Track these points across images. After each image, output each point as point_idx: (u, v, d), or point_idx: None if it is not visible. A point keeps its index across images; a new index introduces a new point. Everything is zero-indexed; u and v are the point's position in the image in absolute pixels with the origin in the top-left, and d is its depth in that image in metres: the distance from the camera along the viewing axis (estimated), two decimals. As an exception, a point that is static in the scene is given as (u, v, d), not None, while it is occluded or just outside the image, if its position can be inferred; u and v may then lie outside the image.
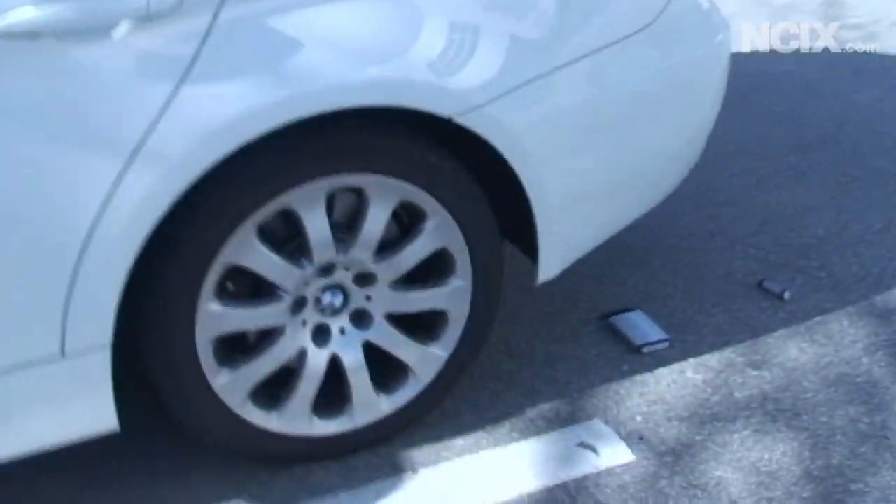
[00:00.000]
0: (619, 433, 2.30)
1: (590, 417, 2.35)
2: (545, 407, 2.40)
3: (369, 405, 2.19)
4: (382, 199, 2.00)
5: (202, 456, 2.19)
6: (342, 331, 2.14)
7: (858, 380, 2.45)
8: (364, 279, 2.09)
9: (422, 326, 2.20)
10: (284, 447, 2.15)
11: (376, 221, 2.02)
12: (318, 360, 2.10)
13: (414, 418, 2.27)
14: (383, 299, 2.12)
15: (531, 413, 2.37)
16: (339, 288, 2.10)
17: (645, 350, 2.56)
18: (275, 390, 2.10)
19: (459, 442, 2.28)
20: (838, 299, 2.80)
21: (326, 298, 2.09)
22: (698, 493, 2.13)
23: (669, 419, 2.33)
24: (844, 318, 2.72)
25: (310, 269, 2.01)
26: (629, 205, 2.45)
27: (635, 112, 2.27)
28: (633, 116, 2.27)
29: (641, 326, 2.62)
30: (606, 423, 2.33)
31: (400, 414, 2.24)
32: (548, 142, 2.08)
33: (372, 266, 2.06)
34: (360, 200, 2.00)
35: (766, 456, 2.23)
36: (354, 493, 2.14)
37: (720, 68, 2.51)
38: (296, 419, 2.13)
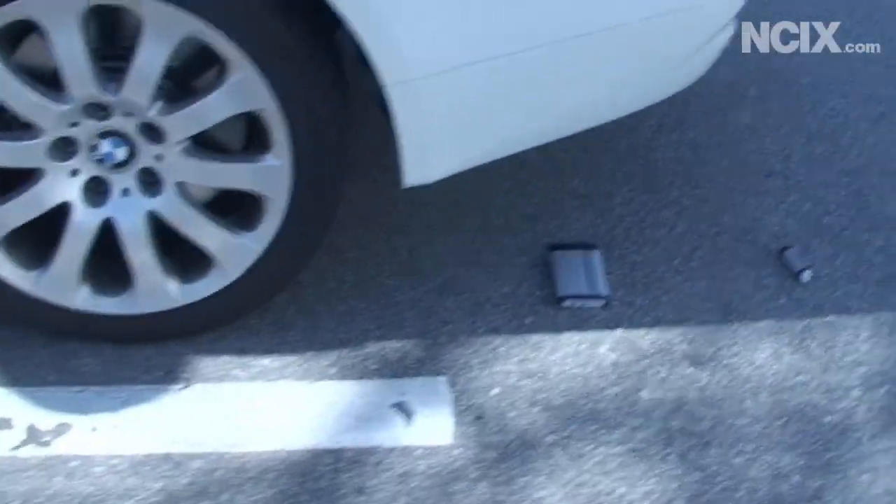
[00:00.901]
0: (457, 403, 1.79)
1: (437, 373, 1.79)
2: (392, 346, 1.90)
3: (156, 289, 1.81)
4: (160, 29, 1.55)
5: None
6: (125, 191, 1.74)
7: (826, 420, 1.73)
8: (154, 133, 1.67)
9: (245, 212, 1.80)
10: (45, 316, 1.83)
11: (151, 56, 1.58)
12: (87, 218, 1.73)
13: (219, 320, 1.90)
14: (175, 163, 1.70)
15: (370, 349, 1.90)
16: (122, 138, 1.68)
17: (566, 304, 1.94)
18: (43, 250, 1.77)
19: (263, 362, 1.86)
20: (873, 300, 2.04)
21: (105, 147, 1.69)
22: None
23: (533, 403, 1.76)
24: (864, 327, 1.97)
25: (67, 105, 1.61)
26: (546, 114, 1.83)
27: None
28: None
29: (583, 272, 2.01)
30: (452, 385, 1.79)
31: (197, 309, 1.84)
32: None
33: (155, 116, 1.64)
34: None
35: (620, 490, 1.65)
36: (104, 390, 1.79)
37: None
38: (58, 286, 1.79)
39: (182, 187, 1.73)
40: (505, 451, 1.69)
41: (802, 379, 1.83)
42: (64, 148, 1.68)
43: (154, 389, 1.79)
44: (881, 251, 2.13)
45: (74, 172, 1.71)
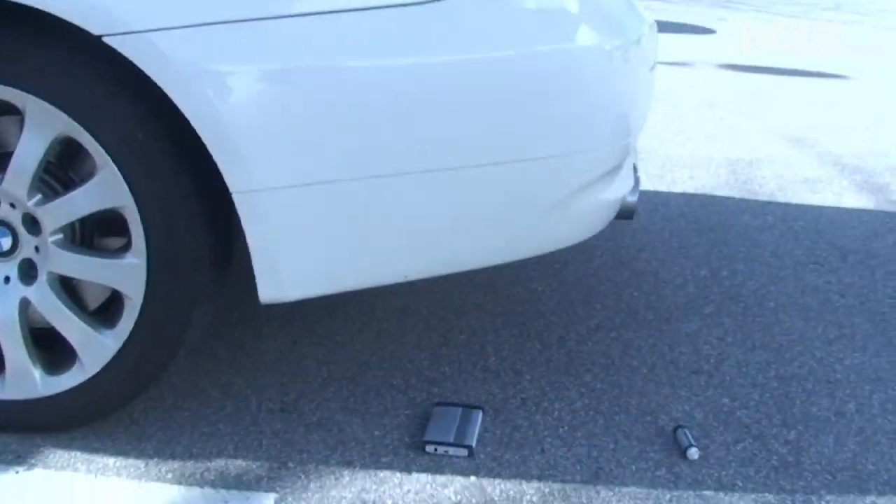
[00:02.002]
0: None
1: (270, 490, 1.78)
2: (237, 463, 1.90)
3: (22, 379, 1.89)
4: (39, 125, 1.73)
5: None
6: (6, 279, 1.87)
7: None
8: (34, 225, 1.82)
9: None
10: None
11: (30, 149, 1.75)
12: (5, 310, 1.85)
13: (76, 417, 1.93)
14: (47, 253, 1.82)
15: (215, 463, 1.90)
16: (8, 227, 1.84)
17: (429, 449, 1.91)
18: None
19: (107, 460, 1.89)
20: (763, 483, 1.92)
21: None
22: None
23: None
24: None
25: None
26: (418, 244, 1.84)
27: (394, 104, 1.70)
28: (391, 111, 1.71)
29: (456, 425, 1.97)
30: (279, 501, 1.73)
31: (58, 403, 1.91)
32: (255, 113, 1.65)
33: (32, 207, 1.78)
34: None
35: None
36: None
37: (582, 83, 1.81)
38: None
39: (53, 279, 1.84)
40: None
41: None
42: None
43: (-4, 470, 1.80)
44: (789, 444, 2.00)
45: None
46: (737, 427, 2.04)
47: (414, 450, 1.93)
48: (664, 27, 8.29)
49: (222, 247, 1.84)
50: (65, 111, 1.70)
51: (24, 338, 1.86)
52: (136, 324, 1.82)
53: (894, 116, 5.12)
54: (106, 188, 1.75)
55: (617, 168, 1.94)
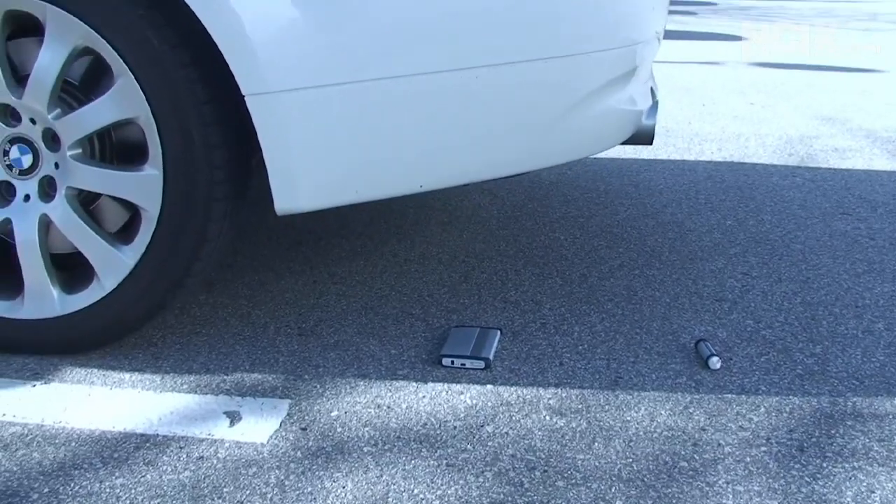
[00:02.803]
0: (288, 417, 1.75)
1: (283, 397, 1.78)
2: (252, 376, 1.90)
3: (40, 298, 1.90)
4: (58, 35, 1.75)
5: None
6: (27, 197, 1.89)
7: (680, 465, 1.59)
8: (55, 141, 1.84)
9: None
10: None
11: (50, 59, 1.76)
12: (25, 228, 1.88)
13: (97, 336, 1.94)
14: (66, 168, 1.84)
15: (229, 375, 1.90)
16: (29, 145, 1.86)
17: (445, 362, 1.89)
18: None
19: (123, 375, 1.90)
20: (787, 387, 1.87)
21: (14, 153, 1.87)
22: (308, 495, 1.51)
23: (366, 424, 1.71)
24: (765, 405, 1.80)
25: None
26: (426, 156, 1.83)
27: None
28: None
29: (474, 341, 1.97)
30: (294, 406, 1.77)
31: (75, 321, 1.92)
32: (267, 11, 1.65)
33: (51, 120, 1.80)
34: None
35: (416, 490, 1.54)
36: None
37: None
38: None
39: (72, 195, 1.86)
40: (315, 452, 1.61)
41: (669, 434, 1.66)
42: None
43: (16, 382, 1.85)
44: (815, 356, 1.96)
45: None
46: (761, 343, 2.00)
47: (431, 364, 1.91)
48: (694, 36, 8.27)
49: (239, 159, 1.83)
50: (82, 19, 1.72)
51: (44, 256, 1.87)
52: (153, 236, 1.83)
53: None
54: (123, 98, 1.77)
55: (630, 74, 1.92)
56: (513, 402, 1.75)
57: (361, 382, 1.83)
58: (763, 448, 1.60)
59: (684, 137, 4.01)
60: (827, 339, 2.01)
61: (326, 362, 1.92)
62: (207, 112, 1.75)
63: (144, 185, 1.80)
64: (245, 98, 1.66)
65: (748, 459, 1.57)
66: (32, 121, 1.82)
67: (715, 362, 1.88)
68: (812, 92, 5.29)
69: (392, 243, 2.60)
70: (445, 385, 1.82)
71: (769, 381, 1.84)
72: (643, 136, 2.10)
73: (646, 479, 1.51)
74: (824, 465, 1.56)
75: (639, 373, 1.87)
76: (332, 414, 1.72)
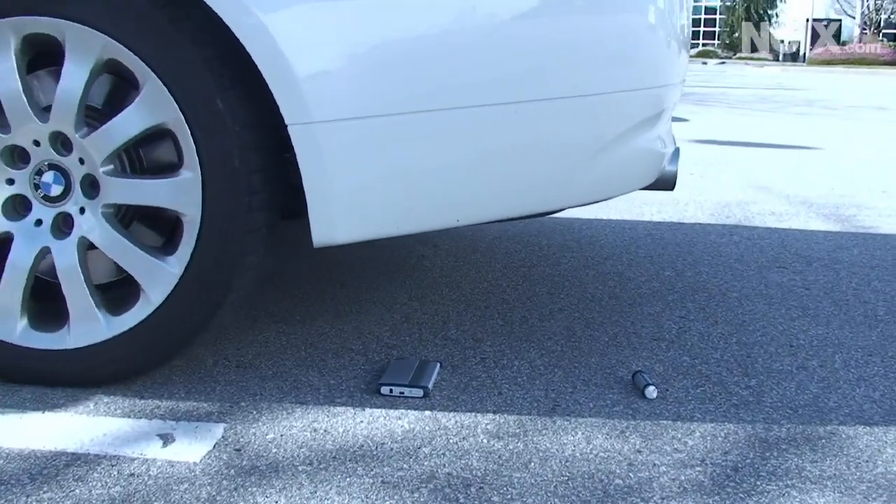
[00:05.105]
0: (223, 440, 1.72)
1: (218, 421, 1.75)
2: (189, 403, 1.88)
3: (86, 323, 1.83)
4: (80, 52, 1.72)
5: None
6: (63, 222, 1.83)
7: (615, 483, 1.58)
8: (85, 162, 1.80)
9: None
10: None
11: (73, 77, 1.73)
12: (23, 249, 1.82)
13: (145, 357, 1.87)
14: (101, 186, 1.79)
15: (165, 402, 1.88)
16: (60, 170, 1.81)
17: (384, 390, 1.88)
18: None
19: (55, 400, 1.86)
20: (723, 415, 1.90)
21: (45, 178, 1.81)
22: None
23: (302, 446, 1.70)
24: (700, 431, 1.82)
25: (7, 135, 1.78)
26: (469, 189, 1.83)
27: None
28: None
29: (413, 371, 1.96)
30: (229, 430, 1.72)
31: (124, 343, 1.84)
32: (313, 42, 1.65)
33: (80, 140, 1.76)
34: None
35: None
36: None
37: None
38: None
39: (110, 213, 1.82)
40: (248, 471, 1.59)
41: (605, 455, 1.67)
42: (7, 181, 1.82)
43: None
44: (750, 388, 1.99)
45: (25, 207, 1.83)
46: (697, 377, 2.03)
47: (369, 393, 1.90)
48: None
49: (273, 157, 1.81)
50: (106, 32, 1.70)
51: (87, 279, 1.82)
52: (197, 240, 1.77)
53: (860, 174, 5.21)
54: (150, 104, 1.73)
55: (658, 116, 1.96)
56: (451, 427, 1.75)
57: (299, 409, 1.81)
58: (698, 468, 1.61)
59: (625, 200, 4.09)
60: (762, 374, 2.04)
61: (264, 391, 1.90)
62: (238, 109, 1.73)
63: (183, 190, 1.76)
64: (287, 127, 1.65)
65: (683, 478, 1.57)
66: (63, 144, 1.78)
67: (651, 391, 1.89)
68: (750, 165, 5.44)
69: (333, 289, 2.60)
70: (384, 411, 1.81)
71: (704, 409, 1.85)
72: (666, 182, 2.13)
73: (581, 496, 1.51)
74: (758, 483, 1.57)
75: (576, 401, 1.88)
76: (268, 437, 1.70)
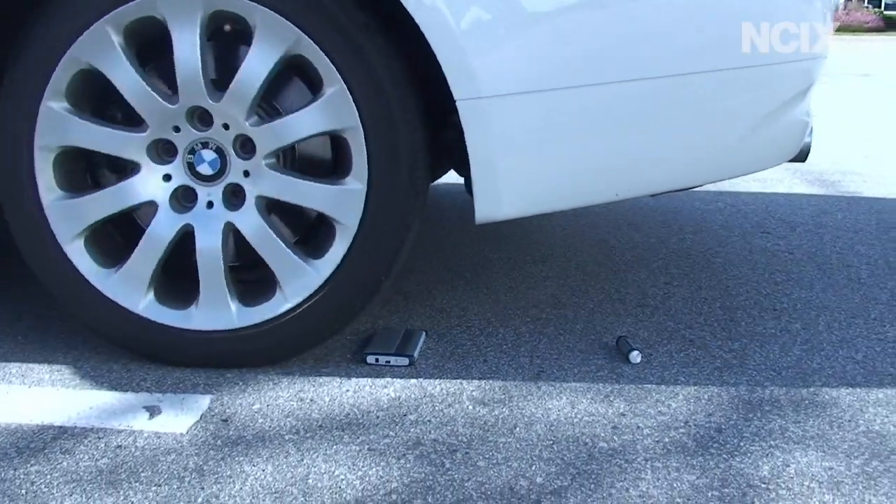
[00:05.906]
0: (209, 411, 1.73)
1: (205, 392, 1.76)
2: (176, 375, 1.89)
3: (215, 309, 1.81)
4: (267, 40, 1.67)
5: None
6: (209, 204, 1.81)
7: (599, 445, 1.58)
8: (246, 147, 1.76)
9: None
10: (108, 317, 1.85)
11: (256, 65, 1.68)
12: (166, 224, 1.79)
13: (276, 350, 1.87)
14: (259, 175, 1.76)
15: (152, 375, 1.88)
16: (217, 151, 1.77)
17: (369, 360, 1.89)
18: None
19: (41, 376, 1.87)
20: (707, 378, 1.90)
21: (200, 157, 1.78)
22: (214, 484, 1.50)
23: (288, 415, 1.70)
24: (683, 394, 1.83)
25: (175, 105, 1.72)
26: (626, 165, 1.81)
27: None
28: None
29: (398, 340, 1.97)
30: (215, 401, 1.73)
31: (252, 335, 1.84)
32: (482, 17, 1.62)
33: (248, 127, 1.73)
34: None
35: (338, 472, 1.54)
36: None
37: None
38: (128, 287, 1.82)
39: (262, 204, 1.79)
40: (235, 441, 1.60)
41: (589, 419, 1.68)
42: (163, 152, 1.78)
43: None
44: (733, 351, 2.00)
45: (168, 177, 1.80)
46: (681, 341, 2.04)
47: (355, 363, 1.91)
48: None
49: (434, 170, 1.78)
50: (297, 24, 1.66)
51: (225, 265, 1.79)
52: (349, 249, 1.76)
53: (845, 140, 5.22)
54: (330, 111, 1.70)
55: (810, 89, 1.96)
56: (436, 395, 1.76)
57: (285, 379, 1.82)
58: (682, 430, 1.62)
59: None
60: (745, 337, 2.06)
61: (249, 364, 1.89)
62: (414, 120, 1.72)
63: (345, 199, 1.74)
64: (456, 103, 1.62)
65: (667, 440, 1.59)
66: (225, 126, 1.74)
67: (635, 356, 1.90)
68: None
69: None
70: (370, 380, 1.82)
71: (688, 373, 1.87)
72: (802, 154, 2.12)
73: (566, 458, 1.53)
74: (741, 443, 1.58)
75: (561, 367, 1.89)
76: (254, 407, 1.70)
